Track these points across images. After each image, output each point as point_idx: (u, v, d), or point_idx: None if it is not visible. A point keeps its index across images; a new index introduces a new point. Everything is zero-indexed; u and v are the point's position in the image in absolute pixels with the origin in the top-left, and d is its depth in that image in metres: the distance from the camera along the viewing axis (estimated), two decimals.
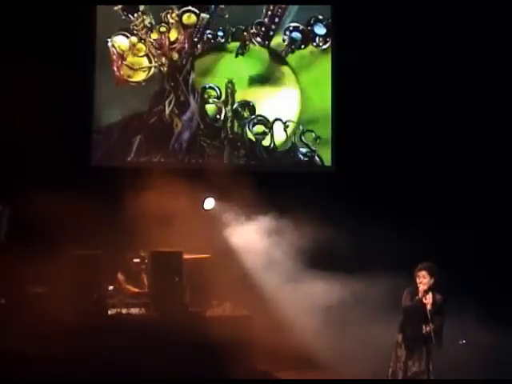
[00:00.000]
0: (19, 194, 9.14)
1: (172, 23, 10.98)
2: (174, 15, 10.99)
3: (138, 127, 10.88)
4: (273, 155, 11.26)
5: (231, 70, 11.16)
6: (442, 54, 10.80)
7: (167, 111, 10.97)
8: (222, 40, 11.14)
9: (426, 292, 7.08)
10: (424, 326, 7.00)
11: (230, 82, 11.11)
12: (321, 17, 11.24)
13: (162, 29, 10.98)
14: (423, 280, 7.16)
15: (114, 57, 10.83)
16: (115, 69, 10.83)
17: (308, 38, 11.23)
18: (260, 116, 11.21)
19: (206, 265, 9.16)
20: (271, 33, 11.16)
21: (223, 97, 11.12)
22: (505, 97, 10.71)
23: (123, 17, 10.84)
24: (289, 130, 11.24)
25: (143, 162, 10.81)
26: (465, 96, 10.83)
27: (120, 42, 10.86)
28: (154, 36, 10.96)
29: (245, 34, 11.16)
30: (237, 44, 11.14)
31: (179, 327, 8.41)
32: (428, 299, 7.04)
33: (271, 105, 11.20)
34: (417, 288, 7.20)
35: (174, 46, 11.00)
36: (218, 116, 11.13)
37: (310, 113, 11.26)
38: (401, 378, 7.11)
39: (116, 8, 10.81)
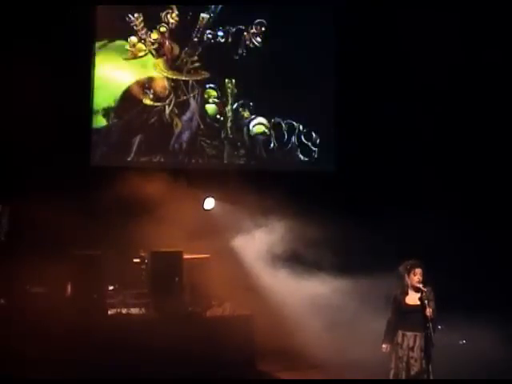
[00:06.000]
0: (19, 194, 9.14)
1: (172, 23, 10.98)
2: (173, 15, 11.00)
3: (138, 127, 10.88)
4: (273, 155, 11.26)
5: (231, 70, 11.16)
6: (443, 56, 10.80)
7: (167, 111, 10.97)
8: (222, 40, 11.15)
9: (425, 290, 7.09)
10: (426, 324, 7.01)
11: (230, 82, 11.12)
12: None
13: (162, 29, 10.98)
14: (420, 278, 7.18)
15: None
16: None
17: None
18: (260, 116, 11.21)
19: (205, 265, 9.17)
20: None
21: (223, 97, 11.13)
22: (507, 98, 10.70)
23: (123, 17, 10.85)
24: (289, 130, 11.27)
25: (143, 161, 10.81)
26: (464, 97, 10.84)
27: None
28: (154, 36, 10.96)
29: (245, 33, 11.18)
30: (237, 44, 11.15)
31: (179, 327, 8.41)
32: (428, 297, 7.07)
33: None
34: (407, 286, 7.21)
35: (173, 45, 11.02)
36: (218, 116, 11.13)
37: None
38: (404, 378, 7.12)
39: (116, 8, 10.82)
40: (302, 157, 11.33)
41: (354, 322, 9.05)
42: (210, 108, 11.13)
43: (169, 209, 9.30)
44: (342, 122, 11.19)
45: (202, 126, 11.07)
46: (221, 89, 11.13)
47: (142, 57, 10.97)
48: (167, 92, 10.98)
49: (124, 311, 8.84)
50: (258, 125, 11.22)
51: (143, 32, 10.92)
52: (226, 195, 10.22)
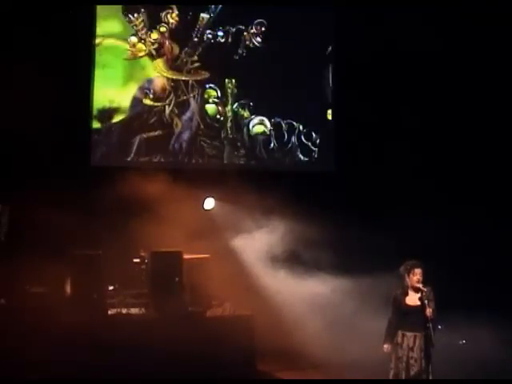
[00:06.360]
0: (19, 194, 9.14)
1: (172, 23, 10.98)
2: (173, 15, 11.00)
3: (138, 127, 10.87)
4: (273, 155, 11.27)
5: (231, 70, 11.15)
6: (444, 56, 10.81)
7: (167, 111, 10.97)
8: (222, 40, 11.15)
9: (425, 290, 7.10)
10: (426, 324, 7.01)
11: (230, 82, 11.12)
12: None
13: (162, 29, 10.98)
14: (420, 278, 7.19)
15: None
16: None
17: None
18: (260, 116, 11.21)
19: (205, 265, 9.17)
20: None
21: (223, 97, 11.13)
22: (506, 97, 10.70)
23: (123, 17, 10.85)
24: (289, 130, 11.27)
25: (143, 161, 10.81)
26: (466, 98, 10.83)
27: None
28: (154, 36, 10.96)
29: (245, 33, 11.18)
30: (237, 44, 11.15)
31: (179, 327, 8.41)
32: (428, 297, 7.07)
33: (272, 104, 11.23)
34: (407, 286, 7.22)
35: (173, 45, 11.02)
36: (218, 116, 11.13)
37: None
38: (403, 378, 7.12)
39: (116, 8, 10.82)
40: (301, 157, 11.33)
41: (354, 322, 9.05)
42: (210, 108, 11.13)
43: (169, 209, 9.30)
44: (342, 121, 11.18)
45: (201, 126, 11.07)
46: (221, 89, 11.13)
47: (142, 57, 10.96)
48: (167, 92, 10.98)
49: (124, 311, 8.83)
50: (258, 125, 11.22)
51: (143, 32, 10.92)
52: (226, 195, 10.22)
